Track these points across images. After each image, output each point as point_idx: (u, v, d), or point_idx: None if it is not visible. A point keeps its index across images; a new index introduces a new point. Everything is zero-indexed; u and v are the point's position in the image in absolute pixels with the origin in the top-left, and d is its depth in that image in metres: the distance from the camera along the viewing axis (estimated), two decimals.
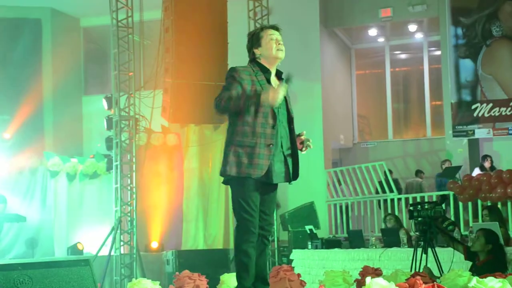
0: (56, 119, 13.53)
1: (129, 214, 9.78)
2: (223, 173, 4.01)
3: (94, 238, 10.80)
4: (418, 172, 13.43)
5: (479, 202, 10.41)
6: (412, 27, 14.42)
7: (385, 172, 11.96)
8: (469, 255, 6.34)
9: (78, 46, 14.63)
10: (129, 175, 9.99)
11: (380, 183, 11.77)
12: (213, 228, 11.29)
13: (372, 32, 14.71)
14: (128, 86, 10.01)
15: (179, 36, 9.83)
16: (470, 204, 10.56)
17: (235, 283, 4.82)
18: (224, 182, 4.11)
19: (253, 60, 4.16)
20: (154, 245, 10.84)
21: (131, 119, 10.05)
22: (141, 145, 10.85)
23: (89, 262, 3.26)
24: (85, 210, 11.38)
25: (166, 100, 10.03)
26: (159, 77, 10.37)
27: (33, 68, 13.58)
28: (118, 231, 9.64)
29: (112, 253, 9.67)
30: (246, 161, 3.96)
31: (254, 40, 4.16)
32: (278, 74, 4.19)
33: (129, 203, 9.83)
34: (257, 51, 4.14)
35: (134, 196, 9.86)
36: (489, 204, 9.77)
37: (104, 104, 10.51)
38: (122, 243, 9.64)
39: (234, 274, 5.19)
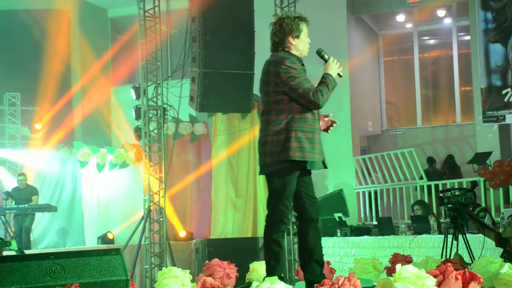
0: (85, 110, 13.66)
1: (158, 204, 9.86)
2: (284, 158, 4.00)
3: (124, 228, 10.91)
4: (430, 160, 13.25)
5: (510, 187, 10.28)
6: (441, 12, 14.22)
7: (415, 158, 11.87)
8: (500, 241, 6.26)
9: (106, 36, 14.74)
10: (158, 165, 10.05)
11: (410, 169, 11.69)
12: (242, 217, 11.32)
13: (400, 18, 14.54)
14: (155, 75, 10.05)
15: (205, 25, 9.82)
16: (501, 190, 10.44)
17: (265, 271, 4.84)
18: (269, 171, 4.09)
19: (283, 49, 4.14)
20: (182, 234, 10.91)
21: (159, 109, 10.10)
22: (170, 135, 10.90)
23: (120, 251, 3.30)
24: (114, 200, 11.49)
25: (193, 90, 10.05)
26: (186, 66, 10.38)
27: (62, 60, 13.71)
28: (148, 221, 9.71)
29: (142, 242, 9.75)
30: (309, 146, 4.04)
31: (293, 29, 4.12)
32: None
33: (158, 193, 9.90)
34: (292, 41, 4.14)
35: (163, 185, 9.92)
36: None
37: (132, 94, 10.58)
38: (152, 232, 9.72)
39: (264, 262, 5.21)
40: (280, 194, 4.04)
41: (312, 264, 4.16)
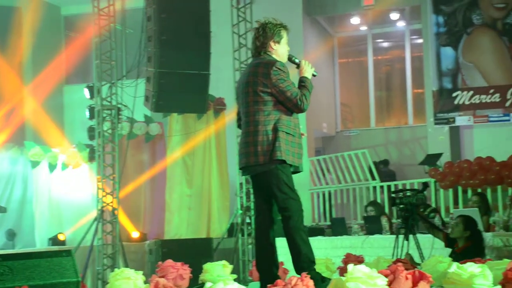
0: (37, 109, 13.41)
1: (111, 204, 9.75)
2: (276, 157, 4.15)
3: (76, 229, 10.75)
4: (384, 162, 13.47)
5: (460, 189, 10.52)
6: (394, 16, 14.45)
7: (368, 160, 12.03)
8: (448, 241, 6.41)
9: (59, 34, 14.49)
10: (111, 165, 9.95)
11: (363, 171, 11.84)
12: (196, 218, 11.29)
13: (355, 20, 14.73)
14: (110, 75, 9.94)
15: (161, 24, 9.76)
16: (450, 191, 10.67)
17: (218, 272, 4.84)
18: (263, 170, 4.20)
19: (265, 52, 4.31)
20: (135, 235, 10.82)
21: (113, 109, 9.99)
22: (124, 135, 10.80)
23: (71, 253, 3.25)
24: (66, 201, 11.32)
25: (148, 89, 9.97)
26: (142, 66, 10.30)
27: (14, 57, 13.43)
28: (100, 221, 9.60)
29: (94, 243, 9.63)
30: (295, 151, 4.24)
31: (275, 34, 4.31)
32: None
33: (111, 193, 9.79)
34: (273, 45, 4.32)
35: (117, 186, 9.82)
36: (479, 191, 9.87)
37: (86, 93, 10.43)
38: (104, 233, 9.61)
39: (217, 263, 5.21)
40: (288, 187, 4.20)
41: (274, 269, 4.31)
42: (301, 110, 4.25)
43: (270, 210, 4.34)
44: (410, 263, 5.69)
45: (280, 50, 4.34)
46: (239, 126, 4.61)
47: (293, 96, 4.18)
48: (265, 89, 4.20)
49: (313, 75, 4.39)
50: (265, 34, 4.31)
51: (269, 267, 4.26)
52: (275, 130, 4.18)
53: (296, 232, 4.18)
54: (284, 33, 4.35)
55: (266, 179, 4.22)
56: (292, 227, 4.19)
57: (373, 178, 11.93)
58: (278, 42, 4.32)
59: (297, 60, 4.44)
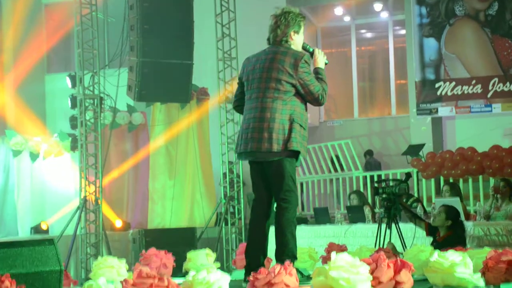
0: (18, 98, 13.29)
1: (94, 193, 9.72)
2: (290, 147, 4.17)
3: (59, 218, 10.71)
4: (369, 152, 13.51)
5: (442, 178, 10.61)
6: (378, 6, 14.47)
7: (351, 150, 12.08)
8: (430, 230, 6.47)
9: (40, 23, 14.34)
10: (94, 155, 9.90)
11: (346, 161, 11.89)
12: (180, 207, 11.28)
13: (338, 11, 14.73)
14: (92, 64, 9.88)
15: (143, 13, 9.70)
16: (432, 180, 10.75)
17: (202, 261, 4.85)
18: (275, 159, 4.20)
19: (286, 41, 4.33)
20: (118, 224, 10.80)
21: (96, 98, 9.94)
22: (107, 124, 10.75)
23: (53, 242, 3.24)
24: (49, 190, 11.26)
25: (131, 79, 9.93)
26: (124, 55, 10.24)
27: None
28: (84, 211, 9.57)
29: (78, 232, 9.60)
30: (305, 145, 4.27)
31: (296, 25, 4.33)
32: None
33: (94, 182, 9.76)
34: (293, 36, 4.34)
35: (100, 175, 9.78)
36: (451, 181, 9.97)
37: (68, 82, 10.36)
38: (87, 222, 9.58)
39: (201, 251, 5.22)
40: (293, 179, 4.23)
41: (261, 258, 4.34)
42: (320, 105, 4.35)
43: (270, 201, 4.33)
44: (392, 252, 5.77)
45: (297, 40, 4.37)
46: (236, 107, 4.56)
47: (315, 90, 4.25)
48: (289, 80, 4.22)
49: (325, 63, 4.46)
50: (287, 23, 4.31)
51: (257, 255, 4.26)
52: (292, 121, 4.21)
53: (288, 225, 4.21)
54: (302, 24, 4.40)
55: (275, 167, 4.22)
56: (287, 219, 4.22)
57: (356, 168, 11.99)
58: (297, 32, 4.36)
59: (311, 49, 4.47)
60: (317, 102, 4.29)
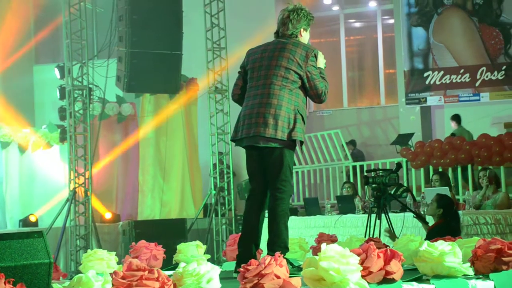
0: (6, 89, 13.19)
1: (83, 185, 9.69)
2: (294, 137, 4.20)
3: (48, 210, 10.67)
4: (352, 143, 13.47)
5: (431, 168, 10.65)
6: None
7: (341, 140, 12.10)
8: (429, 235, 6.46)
9: (27, 13, 14.22)
10: (83, 146, 9.86)
11: (336, 151, 11.92)
12: (170, 198, 11.27)
13: (327, 0, 14.71)
14: (80, 55, 9.83)
15: (132, 3, 9.65)
16: (422, 170, 10.79)
17: (192, 252, 4.84)
18: (278, 146, 4.22)
19: (296, 36, 4.40)
20: (108, 216, 10.78)
21: (85, 89, 9.89)
22: (96, 115, 10.70)
23: (42, 234, 3.22)
24: (38, 182, 11.21)
25: (120, 69, 9.88)
26: (113, 46, 10.19)
27: None
28: (73, 202, 9.54)
29: (67, 224, 9.58)
30: (303, 137, 4.29)
31: (306, 23, 4.43)
32: None
33: (83, 174, 9.72)
34: (302, 33, 4.44)
35: (89, 166, 9.75)
36: (440, 170, 10.00)
37: (56, 73, 10.30)
38: (77, 214, 9.55)
39: (191, 243, 5.21)
40: (290, 170, 4.26)
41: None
42: (321, 101, 4.40)
43: (266, 191, 4.33)
44: (390, 234, 5.88)
45: (305, 38, 4.45)
46: (235, 96, 4.53)
47: (320, 86, 4.31)
48: (298, 70, 4.27)
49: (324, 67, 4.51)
50: (299, 19, 4.38)
51: (250, 245, 4.27)
52: (296, 111, 4.25)
53: (282, 216, 4.23)
54: (311, 23, 4.48)
55: (276, 155, 4.22)
56: (281, 209, 4.23)
57: (346, 158, 12.01)
58: (306, 30, 4.44)
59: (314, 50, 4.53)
60: (318, 98, 4.35)
